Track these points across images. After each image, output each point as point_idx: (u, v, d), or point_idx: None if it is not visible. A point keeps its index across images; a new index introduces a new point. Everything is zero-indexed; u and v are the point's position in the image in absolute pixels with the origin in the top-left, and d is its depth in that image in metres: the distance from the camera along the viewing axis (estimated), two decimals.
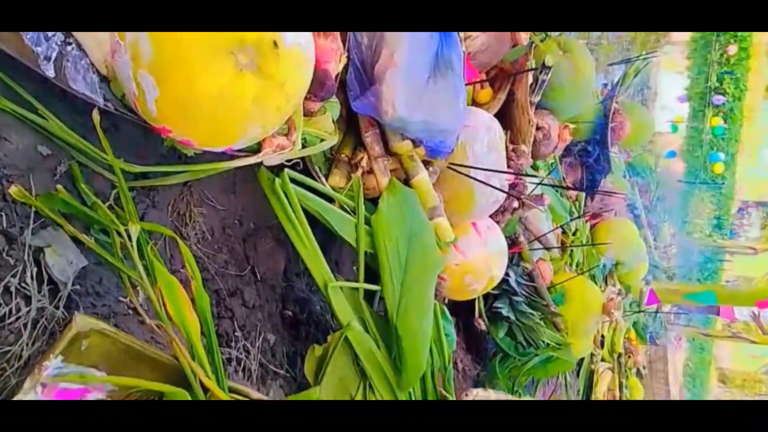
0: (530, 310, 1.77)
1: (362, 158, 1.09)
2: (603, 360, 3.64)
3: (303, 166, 1.03)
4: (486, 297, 1.79)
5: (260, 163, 0.90)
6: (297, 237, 0.93)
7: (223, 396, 0.68)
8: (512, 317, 1.74)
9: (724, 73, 12.01)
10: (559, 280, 2.17)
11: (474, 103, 1.99)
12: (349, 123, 1.13)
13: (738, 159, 14.37)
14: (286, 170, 0.93)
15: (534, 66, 1.91)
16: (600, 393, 3.51)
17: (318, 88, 0.95)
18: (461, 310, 1.77)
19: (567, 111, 2.20)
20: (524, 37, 1.79)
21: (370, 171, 1.11)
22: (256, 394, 0.80)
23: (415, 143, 1.17)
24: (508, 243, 1.81)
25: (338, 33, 1.02)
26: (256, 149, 0.85)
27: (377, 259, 1.01)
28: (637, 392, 3.82)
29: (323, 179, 1.08)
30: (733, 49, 10.80)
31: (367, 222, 1.03)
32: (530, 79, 1.98)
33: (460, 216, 1.37)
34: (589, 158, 3.20)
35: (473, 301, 1.75)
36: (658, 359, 6.07)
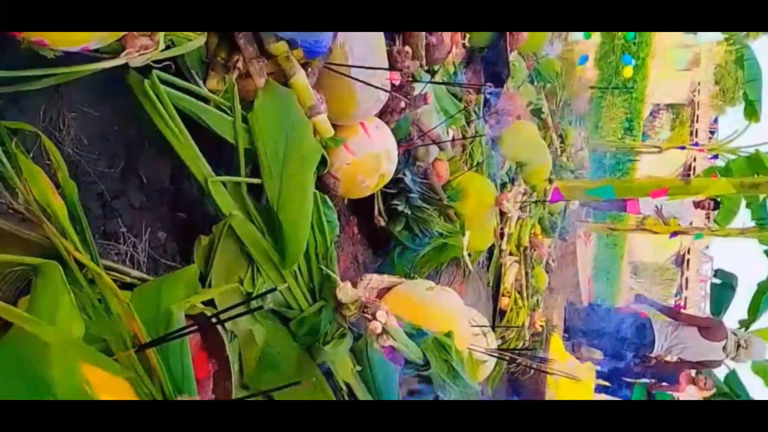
0: (425, 205, 1.91)
1: (237, 60, 1.14)
2: (511, 254, 3.94)
3: (177, 69, 1.07)
4: (384, 196, 1.91)
5: (128, 67, 0.93)
6: (172, 135, 0.99)
7: (98, 269, 0.76)
8: (408, 212, 1.88)
9: None
10: (464, 182, 2.33)
11: None
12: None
13: (649, 63, 14.98)
14: (155, 71, 0.97)
15: None
16: (507, 283, 3.83)
17: None
18: (362, 210, 1.89)
19: None
20: None
21: (248, 73, 1.16)
22: (135, 272, 0.89)
23: (291, 45, 1.22)
24: (407, 147, 1.93)
25: None
26: (119, 50, 0.89)
27: (256, 154, 1.09)
28: (541, 281, 4.18)
29: (200, 82, 1.12)
30: None
31: (246, 121, 1.10)
32: None
33: (345, 116, 1.45)
34: (489, 64, 3.32)
35: (373, 201, 1.88)
36: (569, 253, 6.58)
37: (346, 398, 1.24)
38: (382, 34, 1.49)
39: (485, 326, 1.91)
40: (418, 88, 1.80)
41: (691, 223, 8.78)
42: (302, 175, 1.10)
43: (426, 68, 2.23)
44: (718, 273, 8.84)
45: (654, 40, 14.49)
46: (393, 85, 1.65)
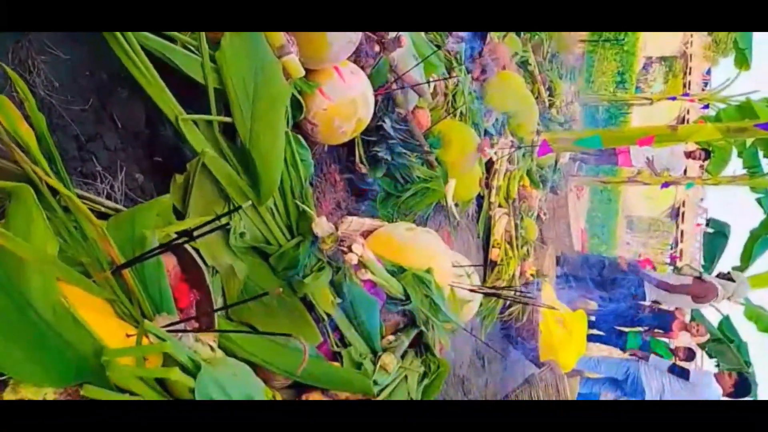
0: (406, 151, 1.94)
1: None
2: (500, 206, 3.99)
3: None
4: (366, 143, 1.94)
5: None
6: (140, 75, 1.01)
7: (69, 194, 0.79)
8: (389, 158, 1.90)
9: None
10: (441, 126, 2.36)
11: None
12: None
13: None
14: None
15: None
16: (498, 234, 3.88)
17: None
18: (344, 158, 1.92)
19: None
20: None
21: None
22: (109, 203, 0.92)
23: None
24: (383, 92, 1.94)
25: None
26: None
27: (226, 93, 1.11)
28: (532, 232, 4.24)
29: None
30: None
31: (214, 60, 1.11)
32: None
33: (317, 58, 1.47)
34: None
35: (354, 147, 1.90)
36: (560, 206, 6.64)
37: (328, 329, 1.30)
38: None
39: (469, 266, 1.96)
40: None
41: (685, 173, 8.83)
42: (273, 114, 1.13)
43: None
44: (710, 222, 8.92)
45: None
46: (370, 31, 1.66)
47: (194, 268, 1.01)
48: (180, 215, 1.11)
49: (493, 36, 3.39)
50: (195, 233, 0.80)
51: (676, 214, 19.99)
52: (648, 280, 5.33)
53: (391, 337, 1.46)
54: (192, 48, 1.10)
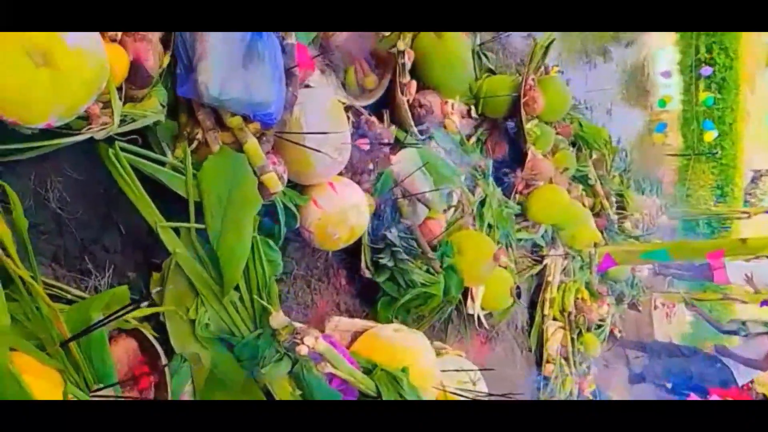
0: (409, 258, 2.07)
1: (197, 132, 1.42)
2: (555, 319, 3.89)
3: (144, 140, 1.37)
4: (373, 251, 2.10)
5: (94, 140, 1.23)
6: (130, 190, 1.26)
7: (29, 280, 1.01)
8: (393, 265, 2.04)
9: (712, 43, 12.05)
10: (458, 235, 2.48)
11: (362, 88, 2.31)
12: (190, 106, 1.46)
13: (739, 128, 14.31)
14: (117, 143, 1.26)
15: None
16: (551, 349, 3.76)
17: (135, 79, 1.28)
18: (353, 263, 2.09)
19: (449, 90, 2.50)
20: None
21: (206, 142, 1.44)
22: (75, 291, 1.13)
23: (247, 119, 1.49)
24: (389, 202, 2.12)
25: (158, 35, 1.36)
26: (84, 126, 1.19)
27: (203, 204, 1.34)
28: (592, 348, 4.05)
29: (168, 151, 1.41)
30: None
31: (197, 178, 1.36)
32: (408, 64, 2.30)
33: (304, 176, 1.70)
34: (510, 132, 3.49)
35: (360, 254, 2.07)
36: (644, 324, 6.25)
37: None
38: (339, 106, 1.75)
39: (466, 369, 1.98)
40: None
41: None
42: (240, 222, 1.33)
43: (422, 135, 2.47)
44: None
45: (739, 106, 13.95)
46: (362, 150, 1.89)
47: (151, 348, 1.18)
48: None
49: (536, 152, 3.53)
50: (108, 317, 0.98)
51: None
52: (734, 360, 4.88)
53: None
54: (179, 168, 1.35)
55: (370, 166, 1.88)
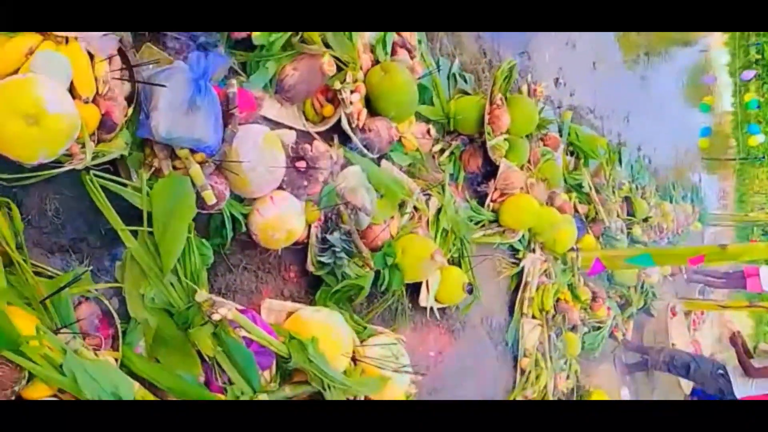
0: (346, 257, 2.56)
1: (153, 160, 1.99)
2: (533, 317, 4.25)
3: (115, 168, 1.94)
4: (319, 250, 2.60)
5: (76, 169, 1.81)
6: (101, 204, 1.84)
7: (18, 259, 1.58)
8: (332, 262, 2.54)
9: (765, 44, 11.71)
10: (404, 240, 2.94)
11: (322, 116, 2.83)
12: (151, 142, 2.03)
13: None
14: (92, 171, 1.83)
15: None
16: (528, 344, 4.12)
17: (104, 127, 1.86)
18: (302, 260, 2.60)
19: (398, 117, 2.97)
20: (328, 69, 2.59)
21: (161, 169, 2.01)
22: (58, 272, 1.71)
23: (193, 151, 2.04)
24: (335, 211, 2.62)
25: (124, 94, 1.93)
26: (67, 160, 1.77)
27: (153, 213, 1.89)
28: (573, 347, 4.35)
29: (135, 176, 1.98)
30: None
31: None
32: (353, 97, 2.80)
33: (247, 192, 2.23)
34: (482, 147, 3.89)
35: (306, 253, 2.58)
36: (660, 331, 6.36)
37: (215, 368, 1.92)
38: (271, 137, 2.27)
39: (388, 344, 2.45)
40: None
41: None
42: (178, 226, 1.88)
43: (378, 154, 2.96)
44: None
45: None
46: (299, 169, 2.41)
47: (111, 315, 1.75)
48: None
49: (509, 163, 3.91)
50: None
51: None
52: (734, 380, 4.95)
53: (272, 384, 2.04)
54: (138, 187, 1.92)
55: (305, 183, 2.39)
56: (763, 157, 10.91)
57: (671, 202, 7.57)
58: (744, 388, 4.91)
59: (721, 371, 5.23)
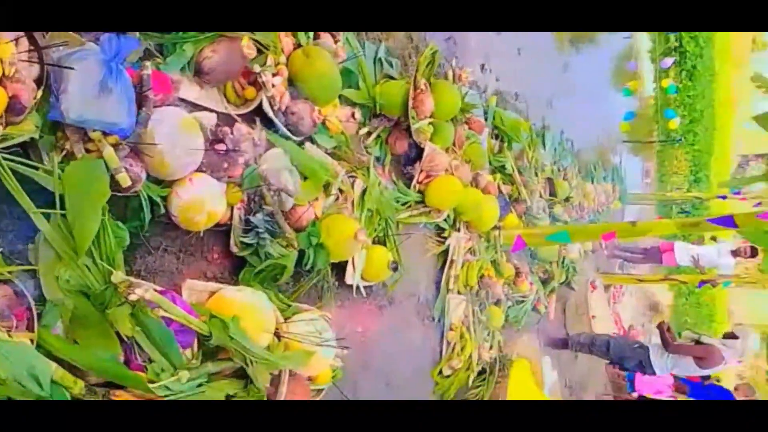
0: (270, 237, 2.63)
1: (65, 143, 1.99)
2: (459, 293, 4.44)
3: (26, 151, 1.93)
4: (242, 231, 2.66)
5: None
6: (11, 188, 1.83)
7: None
8: (256, 243, 2.60)
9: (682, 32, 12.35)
10: (328, 220, 3.03)
11: (244, 99, 2.86)
12: (63, 125, 2.02)
13: (711, 114, 14.56)
14: (1, 154, 1.82)
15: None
16: (454, 318, 4.31)
17: (12, 110, 1.84)
18: (225, 242, 2.65)
19: (320, 100, 3.04)
20: (247, 52, 2.62)
21: (73, 151, 2.01)
22: None
23: (106, 133, 2.05)
24: (258, 193, 2.67)
25: (33, 76, 1.91)
26: None
27: (65, 196, 1.90)
28: (496, 319, 4.59)
29: (47, 158, 1.97)
30: None
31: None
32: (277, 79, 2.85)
33: (165, 174, 2.25)
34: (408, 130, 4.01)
35: (229, 234, 2.63)
36: (581, 304, 6.75)
37: (135, 347, 1.96)
38: (190, 121, 2.29)
39: (312, 319, 2.55)
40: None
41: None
42: (91, 208, 1.89)
43: (301, 137, 3.02)
44: None
45: (714, 93, 14.23)
46: (219, 151, 2.44)
47: (21, 295, 1.76)
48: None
49: (434, 146, 4.05)
50: None
51: None
52: (653, 352, 5.33)
53: (194, 361, 2.10)
54: (50, 170, 1.92)
55: (225, 165, 2.43)
56: (680, 140, 11.60)
57: (593, 182, 7.98)
58: (661, 361, 5.28)
59: (637, 345, 5.64)
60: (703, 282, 7.26)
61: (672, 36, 12.19)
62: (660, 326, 5.43)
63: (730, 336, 5.29)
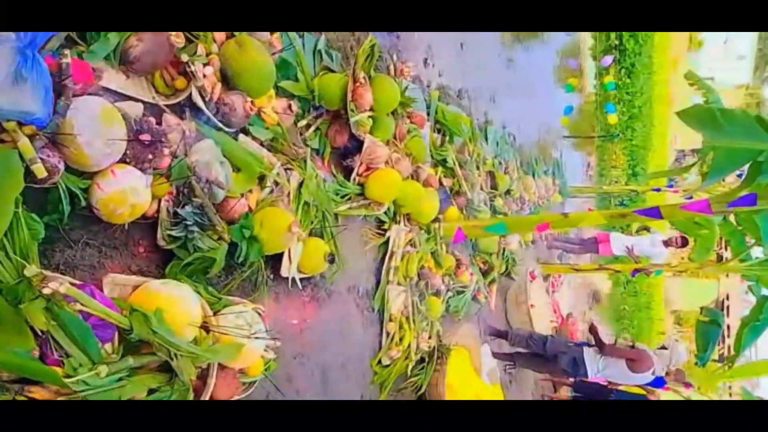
0: (198, 230, 2.60)
1: None
2: (399, 284, 4.50)
3: None
4: (173, 224, 2.62)
5: None
6: None
7: None
8: (184, 236, 2.57)
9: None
10: (263, 212, 3.02)
11: (174, 88, 2.81)
12: None
13: (654, 111, 15.14)
14: None
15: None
16: (394, 309, 4.37)
17: None
18: (151, 235, 2.60)
19: (253, 92, 3.02)
20: (175, 40, 2.58)
21: None
22: None
23: (21, 123, 1.99)
24: (187, 185, 2.64)
25: None
26: None
27: None
28: (435, 310, 4.68)
29: None
30: None
31: None
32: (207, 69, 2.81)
33: (85, 165, 2.20)
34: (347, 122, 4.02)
35: (156, 227, 2.59)
36: (521, 293, 6.95)
37: (50, 342, 1.92)
38: (110, 110, 2.25)
39: (241, 312, 2.55)
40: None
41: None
42: (2, 200, 1.84)
43: (234, 128, 2.99)
44: (703, 311, 8.84)
45: (652, 90, 14.80)
46: (143, 142, 2.40)
47: None
48: None
49: (374, 139, 4.08)
50: None
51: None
52: (586, 352, 5.53)
53: (114, 356, 2.07)
54: None
55: (150, 156, 2.39)
56: (619, 135, 12.05)
57: (534, 176, 8.20)
58: (593, 361, 5.49)
59: (572, 343, 5.85)
60: (636, 271, 7.59)
61: (612, 34, 12.62)
62: (591, 329, 5.66)
63: (661, 347, 5.66)
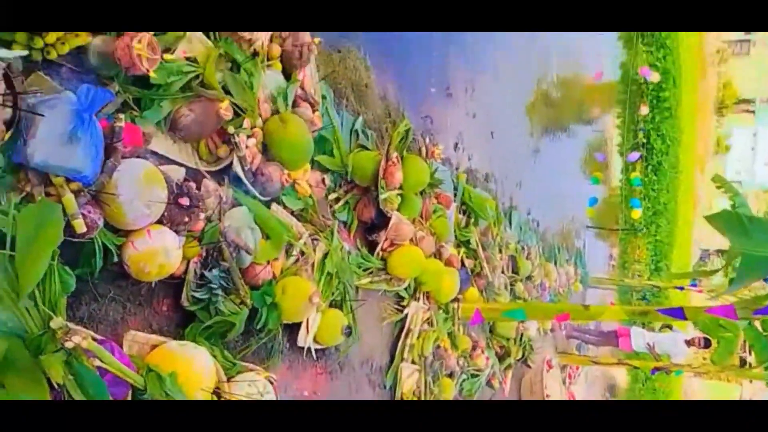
0: (223, 294, 2.64)
1: (26, 185, 2.02)
2: (413, 362, 4.43)
3: None
4: (195, 285, 2.66)
5: None
6: None
7: None
8: (207, 299, 2.61)
9: (650, 129, 13.00)
10: (286, 280, 3.06)
11: (216, 156, 2.93)
12: (25, 168, 2.05)
13: (674, 208, 15.13)
14: None
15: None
16: (405, 388, 4.28)
17: None
18: (176, 294, 2.64)
19: (291, 164, 3.13)
20: (224, 114, 2.71)
21: (33, 194, 2.03)
22: None
23: (68, 180, 2.09)
24: (217, 249, 2.70)
25: (2, 119, 1.96)
26: None
27: (17, 237, 1.91)
28: (447, 391, 4.56)
29: (4, 199, 1.99)
30: (644, 109, 11.83)
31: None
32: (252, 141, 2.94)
33: (122, 223, 2.28)
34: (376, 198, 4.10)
35: (182, 288, 2.63)
36: (537, 382, 6.75)
37: (65, 394, 1.92)
38: (153, 172, 2.34)
39: (254, 381, 2.53)
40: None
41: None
42: (41, 251, 1.90)
43: (269, 197, 3.08)
44: None
45: (678, 188, 14.84)
46: (182, 206, 2.48)
47: None
48: None
49: (400, 216, 4.15)
50: None
51: None
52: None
53: None
54: (5, 210, 1.94)
55: (186, 219, 2.46)
56: (642, 229, 12.00)
57: (555, 263, 8.15)
58: None
59: None
60: (656, 369, 7.35)
61: (640, 133, 12.85)
62: None
63: None
